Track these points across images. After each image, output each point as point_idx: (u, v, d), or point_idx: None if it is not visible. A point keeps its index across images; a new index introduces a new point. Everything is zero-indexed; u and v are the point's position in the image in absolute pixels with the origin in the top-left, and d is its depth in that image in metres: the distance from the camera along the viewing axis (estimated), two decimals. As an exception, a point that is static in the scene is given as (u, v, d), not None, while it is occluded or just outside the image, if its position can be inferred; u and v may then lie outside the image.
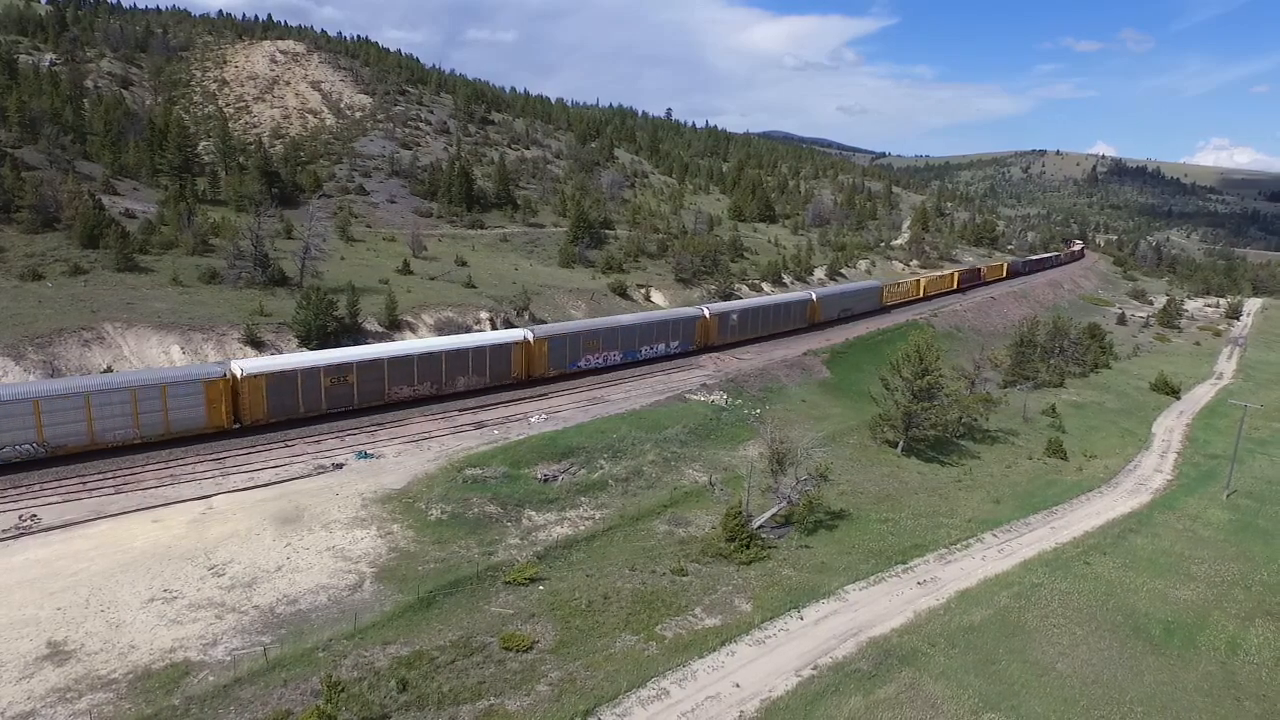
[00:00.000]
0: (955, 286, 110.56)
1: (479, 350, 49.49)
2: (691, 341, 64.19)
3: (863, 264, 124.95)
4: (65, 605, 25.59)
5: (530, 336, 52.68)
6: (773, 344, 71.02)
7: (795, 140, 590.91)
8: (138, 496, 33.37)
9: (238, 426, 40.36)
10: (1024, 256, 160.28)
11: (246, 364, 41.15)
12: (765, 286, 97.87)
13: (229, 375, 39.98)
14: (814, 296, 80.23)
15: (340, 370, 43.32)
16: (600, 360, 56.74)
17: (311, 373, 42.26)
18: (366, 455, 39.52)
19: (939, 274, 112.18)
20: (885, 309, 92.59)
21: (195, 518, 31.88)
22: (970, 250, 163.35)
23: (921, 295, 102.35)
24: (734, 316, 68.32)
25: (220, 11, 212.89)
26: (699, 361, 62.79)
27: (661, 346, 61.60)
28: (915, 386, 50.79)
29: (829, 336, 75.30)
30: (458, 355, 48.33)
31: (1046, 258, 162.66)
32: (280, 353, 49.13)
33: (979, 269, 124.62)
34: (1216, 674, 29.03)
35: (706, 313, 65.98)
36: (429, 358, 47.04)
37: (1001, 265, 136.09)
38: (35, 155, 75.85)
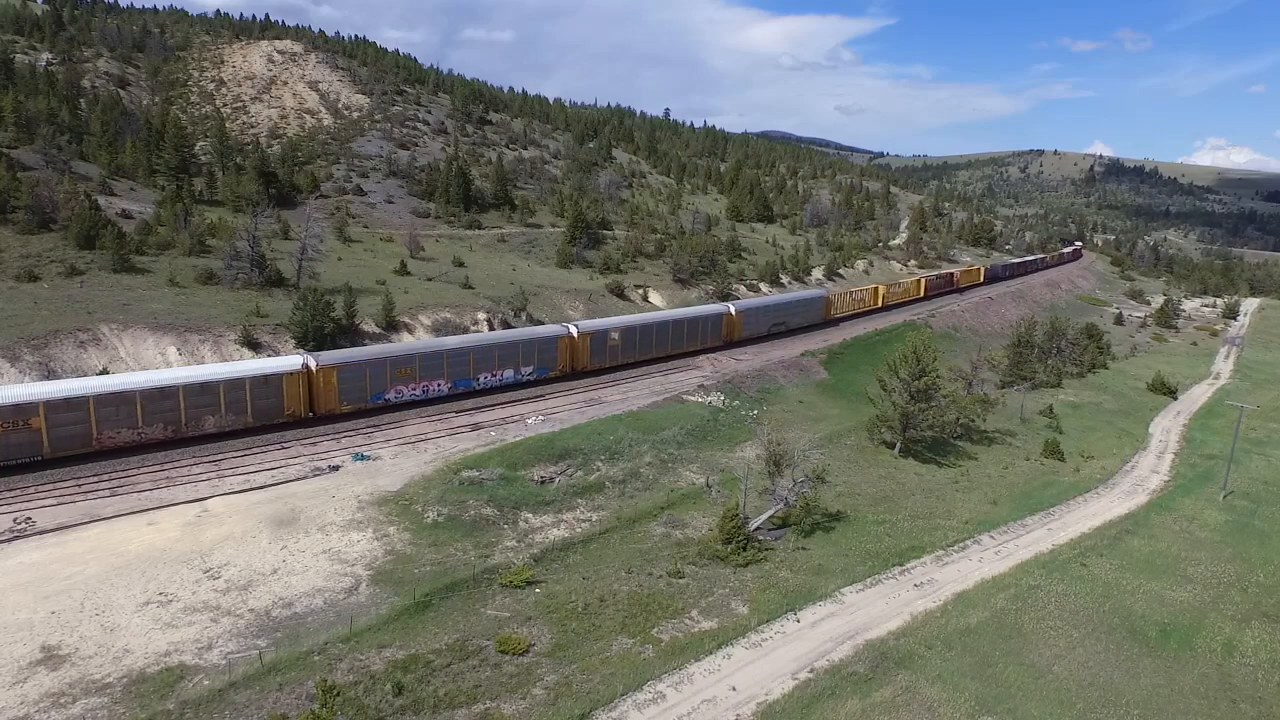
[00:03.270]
0: (922, 294, 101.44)
1: (234, 383, 40.29)
2: (552, 366, 54.41)
3: (860, 264, 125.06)
4: (59, 609, 25.50)
5: (312, 364, 43.25)
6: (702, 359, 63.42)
7: (793, 140, 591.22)
8: (132, 499, 33.28)
9: None
10: (1004, 260, 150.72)
11: None
12: (763, 287, 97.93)
13: None
14: (731, 310, 69.51)
15: (19, 412, 34.18)
16: (418, 392, 47.44)
17: None
18: (363, 457, 39.46)
19: (902, 282, 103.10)
20: (832, 322, 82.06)
21: (190, 520, 31.80)
22: (968, 250, 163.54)
23: (880, 305, 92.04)
24: (614, 335, 58.19)
25: (217, 11, 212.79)
26: (696, 362, 62.75)
27: (509, 373, 51.80)
28: (912, 387, 50.77)
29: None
30: (203, 390, 39.31)
31: (1029, 260, 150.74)
32: (277, 354, 49.05)
33: (951, 274, 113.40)
34: (1212, 676, 29.04)
35: (574, 331, 55.79)
36: (161, 393, 37.90)
37: (978, 270, 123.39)
38: (31, 155, 75.66)
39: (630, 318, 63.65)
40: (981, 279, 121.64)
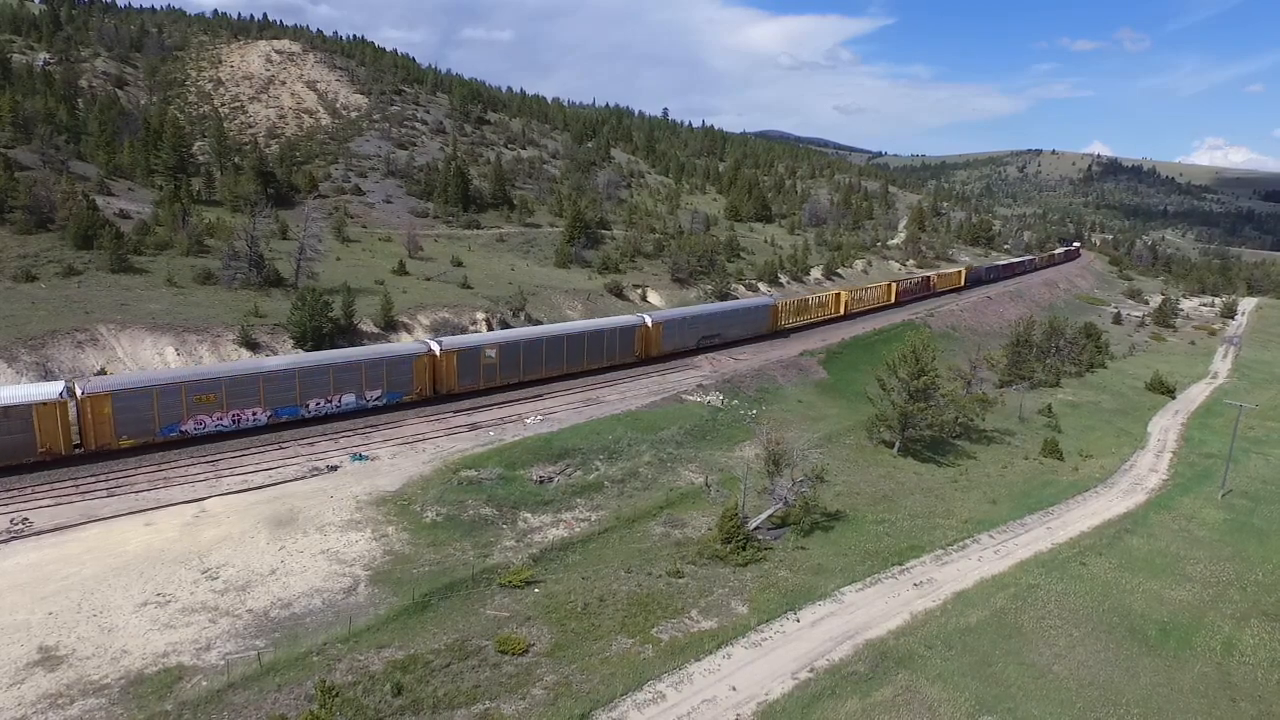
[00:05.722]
0: (893, 300, 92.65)
1: None
2: (407, 389, 46.91)
3: (859, 264, 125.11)
4: (57, 610, 25.43)
5: (79, 391, 36.27)
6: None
7: (792, 140, 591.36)
8: (130, 499, 33.20)
9: None
10: (991, 261, 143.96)
11: None
12: (762, 286, 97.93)
13: None
14: (647, 321, 60.99)
15: None
16: (227, 422, 40.43)
17: None
18: (361, 457, 39.39)
19: (867, 287, 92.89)
20: (781, 333, 73.71)
21: (188, 521, 31.73)
22: (967, 250, 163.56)
23: (842, 313, 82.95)
24: (489, 353, 50.37)
25: (215, 11, 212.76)
26: (695, 362, 62.67)
27: (350, 398, 44.68)
28: (911, 387, 50.75)
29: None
30: None
31: (1018, 262, 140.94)
32: (274, 353, 48.94)
33: (928, 278, 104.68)
34: (1212, 675, 29.06)
35: (435, 348, 48.34)
36: None
37: (958, 273, 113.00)
38: (29, 155, 75.56)
39: (513, 332, 56.67)
40: (962, 283, 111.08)
